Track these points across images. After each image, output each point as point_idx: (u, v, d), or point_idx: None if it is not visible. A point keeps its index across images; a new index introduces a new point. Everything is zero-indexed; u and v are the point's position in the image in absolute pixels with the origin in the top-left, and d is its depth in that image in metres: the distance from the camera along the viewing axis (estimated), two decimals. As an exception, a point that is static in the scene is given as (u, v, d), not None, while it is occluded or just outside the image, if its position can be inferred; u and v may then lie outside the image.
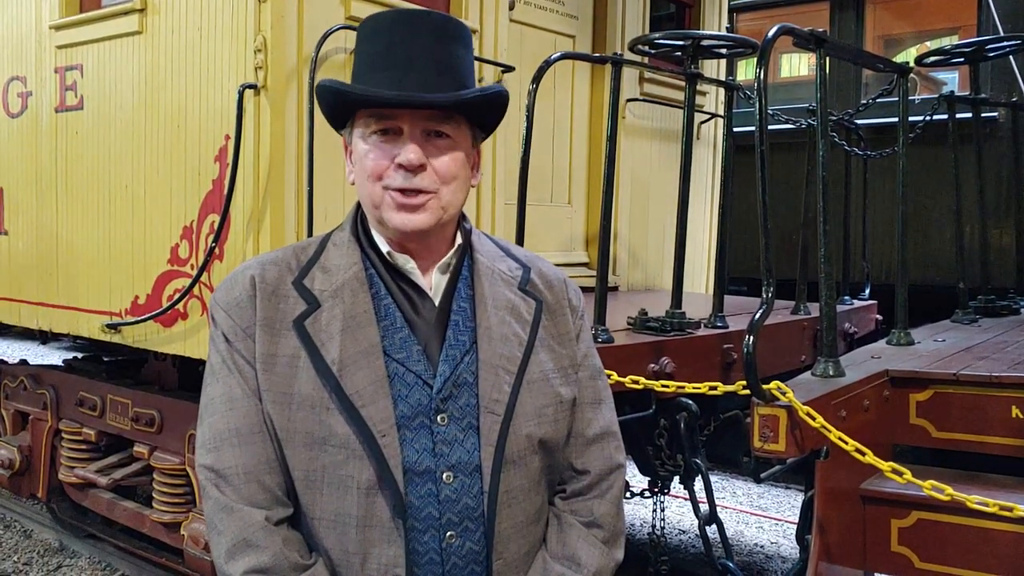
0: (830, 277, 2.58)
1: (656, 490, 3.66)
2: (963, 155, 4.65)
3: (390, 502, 1.26)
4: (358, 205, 1.42)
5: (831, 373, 2.52)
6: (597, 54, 3.33)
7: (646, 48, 3.21)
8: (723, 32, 5.20)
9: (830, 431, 2.23)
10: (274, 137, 3.18)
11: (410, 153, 1.29)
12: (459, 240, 1.42)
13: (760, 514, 5.57)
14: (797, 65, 7.23)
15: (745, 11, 6.59)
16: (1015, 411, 2.41)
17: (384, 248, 1.35)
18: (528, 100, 2.83)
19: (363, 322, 1.30)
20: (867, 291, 4.62)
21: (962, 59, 4.06)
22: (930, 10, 6.63)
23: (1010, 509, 2.09)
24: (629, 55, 3.33)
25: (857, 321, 4.12)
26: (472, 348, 1.35)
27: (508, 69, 3.81)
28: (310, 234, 3.17)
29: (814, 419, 2.21)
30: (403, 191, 1.29)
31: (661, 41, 3.12)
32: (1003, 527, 2.22)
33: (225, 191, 3.23)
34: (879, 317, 4.50)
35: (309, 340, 1.29)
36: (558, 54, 2.96)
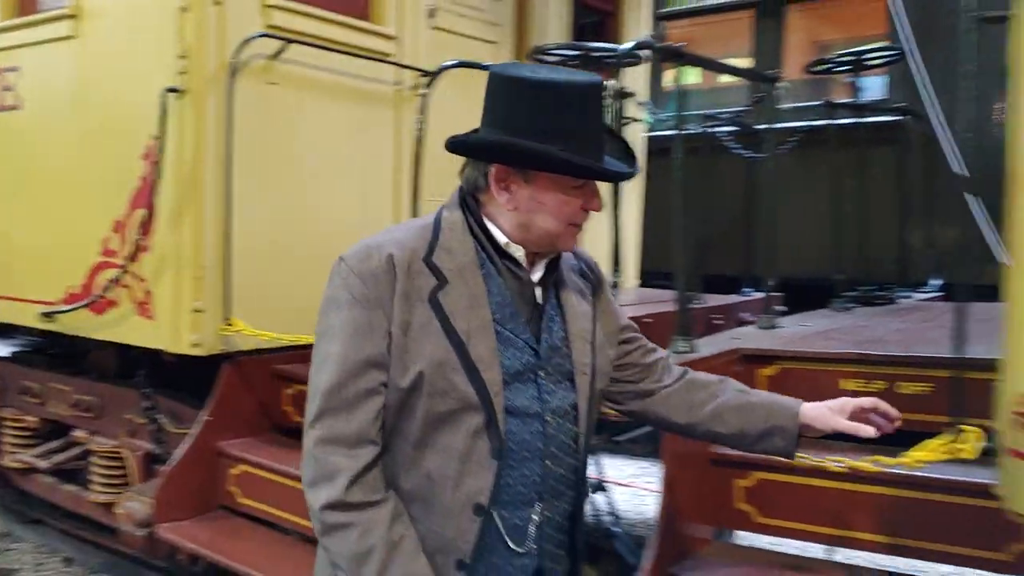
0: (684, 266, 2.88)
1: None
2: (876, 157, 4.99)
3: (492, 444, 1.54)
4: (461, 192, 1.67)
5: (682, 349, 2.80)
6: (489, 62, 3.60)
7: (543, 57, 3.47)
8: (647, 39, 5.48)
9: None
10: (196, 137, 3.41)
11: (600, 203, 1.63)
12: None
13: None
14: (703, 72, 7.47)
15: (674, 19, 6.85)
16: (844, 383, 2.71)
17: (502, 240, 1.63)
18: (421, 102, 3.09)
19: (480, 302, 1.58)
20: (770, 283, 4.91)
21: (848, 67, 4.38)
22: (850, 17, 6.91)
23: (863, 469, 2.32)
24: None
25: (755, 310, 4.41)
26: (559, 320, 1.67)
27: (427, 74, 4.04)
28: (228, 227, 3.41)
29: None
30: (579, 225, 1.63)
31: (555, 51, 3.39)
32: (828, 484, 2.49)
33: (151, 188, 3.47)
34: (783, 308, 4.79)
35: (441, 310, 1.56)
36: (450, 62, 3.23)
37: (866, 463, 1.77)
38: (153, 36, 3.52)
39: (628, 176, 1.65)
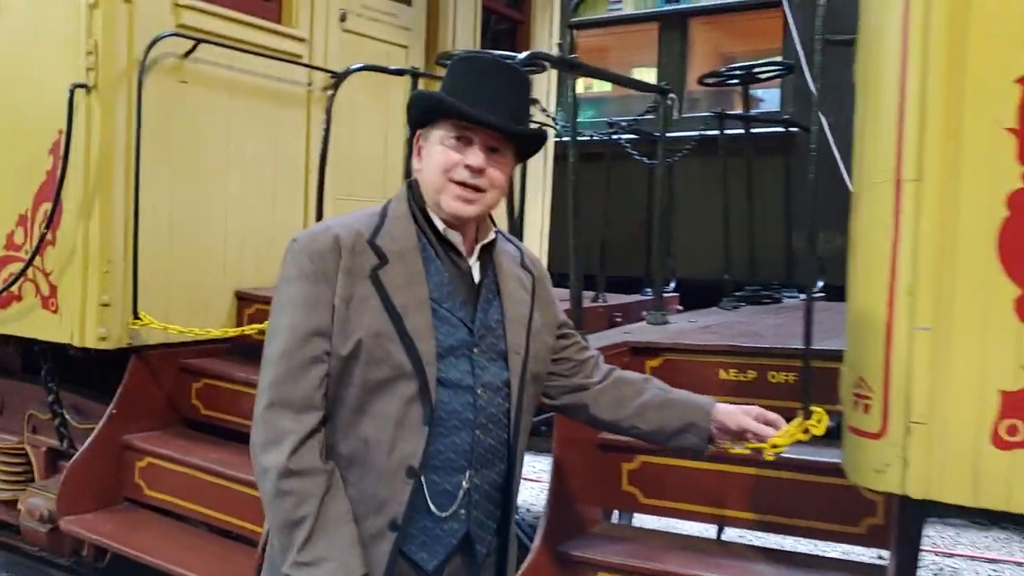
0: (579, 264, 3.08)
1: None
2: (766, 166, 5.27)
3: (424, 411, 1.66)
4: (409, 185, 1.82)
5: (575, 343, 2.98)
6: (397, 67, 3.73)
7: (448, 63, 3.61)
8: (554, 48, 5.67)
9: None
10: (104, 133, 3.44)
11: (479, 159, 1.71)
12: (494, 229, 1.88)
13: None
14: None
15: (584, 28, 7.06)
16: (722, 373, 2.94)
17: (440, 226, 1.77)
18: (327, 104, 3.21)
19: (417, 281, 1.72)
20: (672, 285, 5.16)
21: (737, 81, 4.65)
22: (750, 31, 7.24)
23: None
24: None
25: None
26: (496, 304, 1.81)
27: (336, 76, 4.13)
28: (136, 222, 3.46)
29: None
30: (464, 185, 1.71)
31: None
32: (702, 466, 2.68)
33: (58, 182, 3.48)
34: (680, 308, 5.04)
35: (381, 286, 1.68)
36: (357, 65, 3.35)
37: (728, 443, 1.96)
38: (61, 31, 3.54)
39: (506, 129, 1.71)
